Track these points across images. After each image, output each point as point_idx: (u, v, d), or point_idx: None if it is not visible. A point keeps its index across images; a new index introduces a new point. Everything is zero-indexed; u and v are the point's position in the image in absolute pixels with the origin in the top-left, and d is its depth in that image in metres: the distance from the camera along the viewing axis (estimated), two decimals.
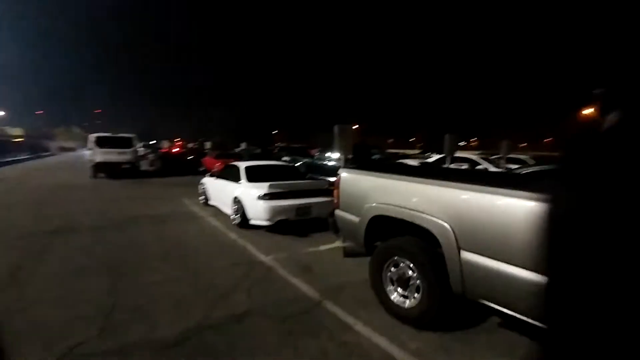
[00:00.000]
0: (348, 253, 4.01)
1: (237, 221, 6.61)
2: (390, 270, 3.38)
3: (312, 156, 16.60)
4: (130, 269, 4.43)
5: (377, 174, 3.58)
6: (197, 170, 18.72)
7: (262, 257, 4.97)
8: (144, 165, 19.67)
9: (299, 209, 6.19)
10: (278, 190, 6.11)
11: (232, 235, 6.10)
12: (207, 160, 19.93)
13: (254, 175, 6.84)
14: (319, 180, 6.65)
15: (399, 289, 3.31)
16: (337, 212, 4.04)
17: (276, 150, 22.57)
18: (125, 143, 15.88)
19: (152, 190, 11.80)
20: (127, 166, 15.74)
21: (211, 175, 8.23)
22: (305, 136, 54.13)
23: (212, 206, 8.39)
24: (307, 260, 4.92)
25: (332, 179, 5.47)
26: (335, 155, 9.22)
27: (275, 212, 5.97)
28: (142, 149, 20.58)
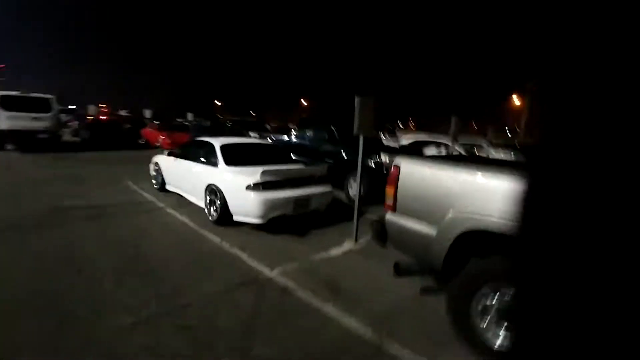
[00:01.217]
0: (403, 271, 2.96)
1: (214, 217, 5.15)
2: (484, 301, 2.43)
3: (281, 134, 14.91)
4: (61, 313, 2.87)
5: (472, 168, 2.50)
6: (137, 143, 16.05)
7: (267, 272, 3.71)
8: (66, 135, 16.30)
9: (298, 201, 4.94)
10: (273, 178, 4.77)
11: (212, 237, 4.68)
12: (148, 132, 17.21)
13: (233, 157, 5.36)
14: (318, 165, 5.43)
15: (495, 325, 2.39)
16: (392, 217, 2.93)
17: (229, 124, 20.36)
18: (42, 106, 12.70)
19: (83, 169, 9.43)
20: (44, 136, 12.69)
21: (170, 154, 6.48)
22: (245, 109, 51.16)
23: (171, 192, 6.71)
24: (325, 272, 3.78)
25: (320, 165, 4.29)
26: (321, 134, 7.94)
27: (270, 206, 4.65)
28: (63, 114, 16.98)
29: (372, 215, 5.80)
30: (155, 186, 7.16)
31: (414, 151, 8.32)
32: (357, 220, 4.75)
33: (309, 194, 5.09)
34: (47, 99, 12.98)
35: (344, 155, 7.42)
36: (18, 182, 7.41)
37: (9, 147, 12.09)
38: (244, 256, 4.11)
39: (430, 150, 11.04)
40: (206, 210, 5.34)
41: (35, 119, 12.37)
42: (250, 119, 22.69)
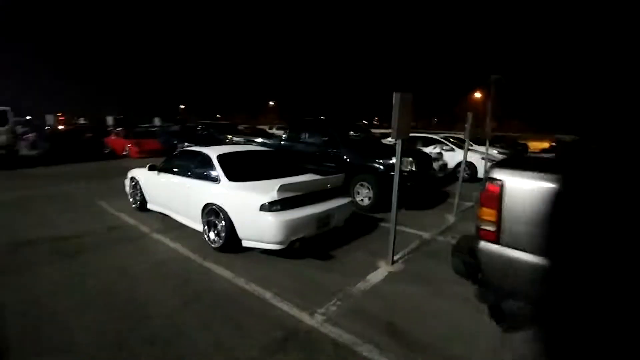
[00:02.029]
0: (508, 316, 2.27)
1: (217, 244, 4.24)
2: None
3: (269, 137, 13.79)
4: None
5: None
6: (101, 153, 14.47)
7: (307, 319, 2.90)
8: (23, 149, 14.35)
9: (320, 218, 4.15)
10: (291, 194, 3.95)
11: (221, 272, 3.78)
12: (113, 140, 15.64)
13: (236, 170, 4.47)
14: (335, 174, 4.65)
15: None
16: (489, 247, 2.23)
17: (199, 127, 18.99)
18: None
19: (46, 188, 8.05)
20: (1, 152, 11.03)
21: (152, 168, 5.44)
22: (211, 112, 49.04)
23: (154, 211, 5.68)
24: (377, 311, 3.03)
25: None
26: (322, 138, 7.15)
27: (291, 228, 3.82)
28: (19, 126, 15.02)
29: (386, 224, 5.14)
30: (134, 205, 6.08)
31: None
32: (394, 237, 4.04)
33: (330, 208, 4.31)
34: (2, 111, 11.27)
35: (346, 159, 6.70)
36: None
37: None
38: (269, 296, 3.27)
39: (432, 148, 10.57)
40: (205, 236, 4.41)
41: None
42: (222, 122, 21.35)
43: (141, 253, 4.27)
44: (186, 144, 15.68)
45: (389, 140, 8.45)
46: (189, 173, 4.80)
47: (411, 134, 11.98)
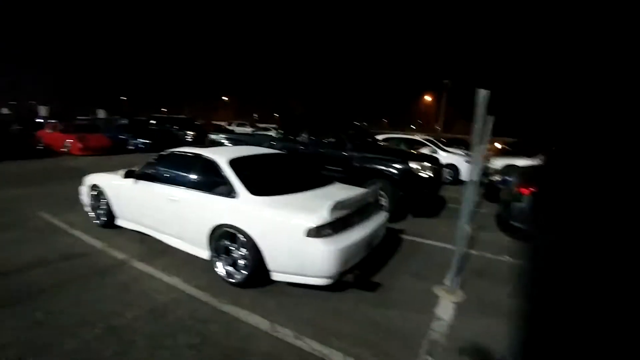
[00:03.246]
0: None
1: (237, 278, 3.22)
2: None
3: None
4: None
5: None
6: (33, 150, 12.02)
7: None
8: None
9: (369, 242, 3.33)
10: (342, 214, 3.07)
11: (252, 319, 2.79)
12: (49, 134, 13.22)
13: (256, 180, 3.45)
14: (371, 185, 3.82)
15: None
16: None
17: (152, 121, 16.89)
18: None
19: None
20: None
21: (129, 175, 4.14)
22: (155, 106, 45.22)
23: (123, 228, 4.42)
24: None
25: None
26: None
27: (346, 258, 2.95)
28: None
29: (409, 237, 4.43)
30: (96, 221, 4.71)
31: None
32: (460, 262, 3.35)
33: (375, 227, 3.51)
34: None
35: (355, 163, 5.93)
36: None
37: None
38: (335, 355, 2.38)
39: (428, 151, 10.16)
40: (219, 268, 3.35)
41: None
42: (176, 116, 19.36)
43: (125, 293, 3.10)
44: (138, 141, 13.75)
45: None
46: (186, 183, 3.67)
47: (389, 135, 11.56)
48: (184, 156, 3.91)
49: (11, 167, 9.42)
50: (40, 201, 6.01)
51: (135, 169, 4.22)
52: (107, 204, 4.49)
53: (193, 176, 3.65)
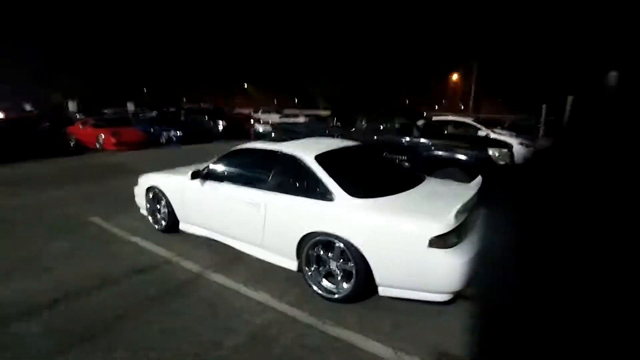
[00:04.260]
0: None
1: (339, 293, 2.78)
2: None
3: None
4: None
5: None
6: (66, 147, 11.88)
7: None
8: None
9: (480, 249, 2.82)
10: (462, 218, 2.56)
11: (370, 347, 2.36)
12: (79, 130, 13.09)
13: (352, 180, 2.95)
14: (475, 179, 3.30)
15: None
16: None
17: (183, 111, 16.59)
18: None
19: (9, 200, 5.96)
20: None
21: (196, 175, 3.71)
22: (174, 96, 44.61)
23: (187, 233, 4.05)
24: None
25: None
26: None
27: (472, 269, 2.47)
28: None
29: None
30: (157, 225, 4.37)
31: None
32: None
33: (484, 228, 2.99)
34: None
35: (423, 150, 5.35)
36: None
37: None
38: None
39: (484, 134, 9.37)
40: (310, 281, 2.92)
41: None
42: (206, 106, 18.98)
43: (214, 315, 2.72)
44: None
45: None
46: (266, 184, 3.21)
47: (439, 118, 10.83)
48: (259, 153, 3.45)
49: (46, 167, 9.29)
50: (86, 203, 5.75)
51: (200, 167, 3.80)
52: (168, 207, 4.12)
53: (275, 176, 3.18)
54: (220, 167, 3.64)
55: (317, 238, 2.81)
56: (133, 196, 4.99)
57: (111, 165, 9.44)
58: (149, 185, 4.32)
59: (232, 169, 3.56)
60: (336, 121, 6.20)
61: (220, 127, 14.88)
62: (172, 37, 50.03)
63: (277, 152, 3.26)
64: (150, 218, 4.45)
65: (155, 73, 48.40)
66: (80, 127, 13.14)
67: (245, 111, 23.82)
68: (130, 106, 17.80)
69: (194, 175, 3.63)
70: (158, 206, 4.29)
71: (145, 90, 47.13)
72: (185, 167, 4.65)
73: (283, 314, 2.72)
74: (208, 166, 3.70)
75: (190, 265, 3.51)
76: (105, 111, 17.67)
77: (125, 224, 4.67)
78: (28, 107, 25.05)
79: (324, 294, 2.85)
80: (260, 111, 22.22)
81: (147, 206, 4.45)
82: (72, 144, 12.23)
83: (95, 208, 5.40)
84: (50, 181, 7.46)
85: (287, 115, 18.42)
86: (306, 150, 3.13)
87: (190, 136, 13.70)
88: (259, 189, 3.22)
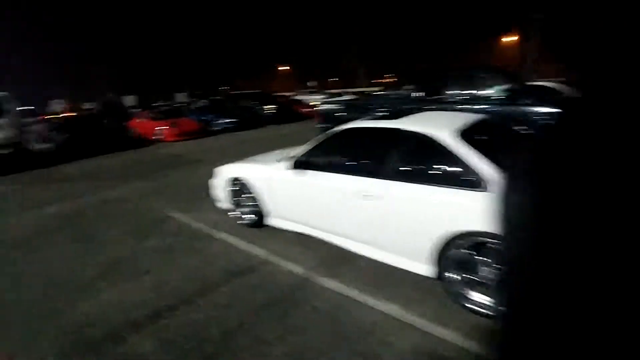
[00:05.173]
0: None
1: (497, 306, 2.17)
2: None
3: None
4: None
5: None
6: (129, 140, 12.20)
7: None
8: (33, 144, 12.12)
9: None
10: None
11: None
12: (139, 123, 13.41)
13: (498, 160, 2.27)
14: None
15: None
16: None
17: (227, 94, 16.46)
18: None
19: (87, 196, 6.02)
20: (4, 151, 8.92)
21: (300, 165, 3.18)
22: (212, 83, 44.80)
23: (276, 228, 3.61)
24: None
25: None
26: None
27: None
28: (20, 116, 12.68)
29: None
30: (240, 220, 4.00)
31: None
32: None
33: None
34: None
35: (539, 119, 4.45)
36: None
37: None
38: None
39: None
40: (455, 291, 2.33)
41: None
42: (253, 91, 18.76)
43: (339, 332, 2.24)
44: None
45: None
46: (388, 172, 2.61)
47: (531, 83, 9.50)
48: (372, 134, 2.85)
49: (114, 161, 9.51)
50: (161, 196, 5.60)
51: (291, 154, 3.31)
52: (255, 200, 3.71)
53: (398, 161, 2.58)
54: (320, 153, 3.10)
55: (464, 238, 2.19)
56: (203, 187, 4.70)
57: (173, 156, 9.45)
58: (231, 177, 3.94)
59: (336, 155, 3.02)
60: (417, 90, 5.40)
61: (270, 112, 14.55)
62: (203, 26, 50.05)
63: (401, 130, 2.64)
64: (232, 212, 4.09)
65: (194, 64, 49.29)
66: (139, 120, 13.46)
67: (284, 94, 23.31)
68: (180, 97, 18.13)
69: (298, 164, 3.13)
70: (242, 199, 3.91)
71: (187, 81, 48.34)
72: (266, 154, 4.22)
73: (431, 335, 2.16)
74: (304, 152, 3.19)
75: (292, 267, 3.08)
76: (159, 104, 18.16)
77: (206, 218, 4.38)
78: (88, 106, 26.62)
79: (475, 308, 2.25)
80: (307, 92, 21.62)
81: (228, 199, 4.09)
82: (133, 137, 12.55)
83: (170, 202, 5.22)
84: (120, 175, 7.52)
85: (332, 95, 17.67)
86: (441, 127, 2.48)
87: (242, 123, 13.54)
88: (376, 178, 2.64)
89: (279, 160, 3.43)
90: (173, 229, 4.22)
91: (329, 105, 6.61)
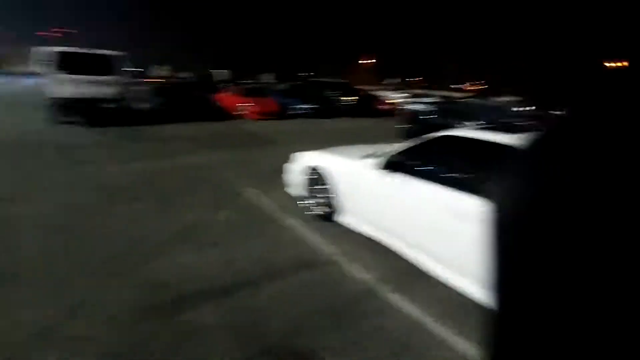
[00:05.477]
0: None
1: None
2: None
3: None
4: None
5: None
6: (214, 112, 12.92)
7: None
8: (133, 103, 13.57)
9: None
10: None
11: None
12: (225, 97, 14.15)
13: None
14: None
15: None
16: None
17: (308, 80, 16.56)
18: (105, 65, 9.95)
19: (172, 158, 6.50)
20: (112, 105, 10.06)
21: (389, 166, 2.86)
22: (292, 69, 45.30)
23: (344, 226, 3.39)
24: None
25: None
26: None
27: None
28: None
29: None
30: (311, 210, 3.86)
31: None
32: None
33: None
34: (110, 57, 10.18)
35: None
36: (74, 206, 4.47)
37: (72, 120, 9.58)
38: None
39: None
40: None
41: (99, 83, 9.69)
42: (334, 80, 18.68)
43: None
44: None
45: None
46: (487, 190, 2.23)
47: None
48: (487, 147, 2.45)
49: (199, 129, 10.14)
50: (237, 170, 5.77)
51: (379, 152, 3.04)
52: (331, 193, 3.53)
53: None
54: (416, 157, 2.79)
55: None
56: (277, 169, 4.68)
57: (251, 134, 9.81)
58: (310, 165, 3.81)
59: (436, 162, 2.68)
60: (528, 104, 4.70)
61: (350, 103, 14.35)
62: (298, 12, 51.03)
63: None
64: (304, 201, 3.98)
65: (284, 46, 50.91)
66: (225, 95, 14.23)
67: (362, 87, 22.79)
68: (266, 77, 18.94)
69: (379, 163, 2.87)
70: (317, 189, 3.76)
71: (275, 63, 50.19)
72: (350, 147, 4.01)
73: None
74: (397, 153, 2.90)
75: (360, 273, 2.85)
76: (245, 82, 19.10)
77: (277, 200, 4.34)
78: (185, 75, 29.10)
79: None
80: (387, 87, 20.94)
81: (303, 187, 3.98)
82: (218, 109, 13.29)
83: (244, 177, 5.34)
84: (202, 144, 7.98)
85: (416, 95, 16.72)
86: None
87: (320, 110, 13.56)
88: (477, 197, 2.25)
89: (365, 157, 3.18)
90: (245, 205, 4.27)
91: (417, 105, 6.13)
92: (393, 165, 2.83)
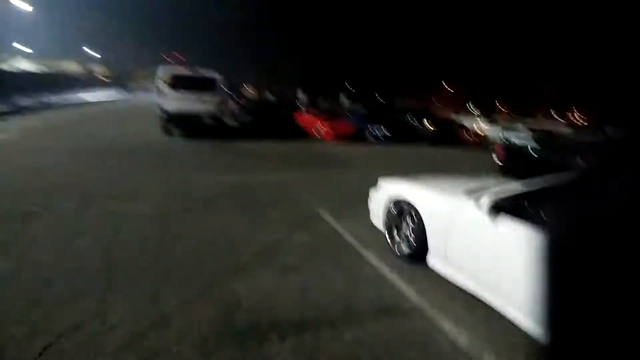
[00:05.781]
0: None
1: None
2: None
3: None
4: None
5: None
6: (297, 132, 13.48)
7: None
8: (228, 119, 14.74)
9: None
10: None
11: None
12: (303, 117, 14.59)
13: None
14: None
15: None
16: None
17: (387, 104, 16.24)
18: (208, 85, 11.11)
19: (259, 174, 6.76)
20: (211, 121, 11.19)
21: (501, 208, 2.39)
22: (368, 93, 44.74)
23: (434, 271, 2.94)
24: None
25: None
26: None
27: None
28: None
29: None
30: (394, 247, 3.51)
31: None
32: None
33: None
34: (213, 79, 11.37)
35: None
36: (193, 195, 4.81)
37: (175, 132, 10.83)
38: None
39: None
40: None
41: (203, 100, 10.83)
42: (415, 106, 18.13)
43: None
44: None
45: None
46: None
47: None
48: None
49: (284, 148, 10.51)
50: (315, 191, 5.71)
51: (497, 193, 2.60)
52: (419, 232, 3.16)
53: None
54: (531, 201, 2.31)
55: None
56: (356, 192, 4.45)
57: (329, 155, 9.84)
58: (395, 194, 3.50)
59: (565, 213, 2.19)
60: None
61: (429, 130, 13.69)
62: (381, 35, 51.26)
63: None
64: (386, 235, 3.65)
65: (364, 70, 51.43)
66: (303, 115, 14.67)
67: (443, 114, 21.58)
68: (343, 98, 19.15)
69: (486, 203, 2.46)
70: (402, 225, 3.42)
71: (355, 83, 50.72)
72: (444, 179, 3.63)
73: None
74: (511, 194, 2.45)
75: (453, 333, 2.40)
76: (323, 103, 19.62)
77: (358, 230, 4.08)
78: (270, 96, 31.17)
79: None
80: (469, 115, 19.58)
81: (385, 219, 3.67)
82: (299, 128, 13.74)
83: (321, 199, 5.24)
84: (283, 162, 8.20)
85: (507, 127, 14.96)
86: None
87: (397, 135, 13.18)
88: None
89: (468, 193, 2.78)
90: (321, 231, 4.10)
91: (515, 139, 5.43)
92: (505, 208, 2.38)
